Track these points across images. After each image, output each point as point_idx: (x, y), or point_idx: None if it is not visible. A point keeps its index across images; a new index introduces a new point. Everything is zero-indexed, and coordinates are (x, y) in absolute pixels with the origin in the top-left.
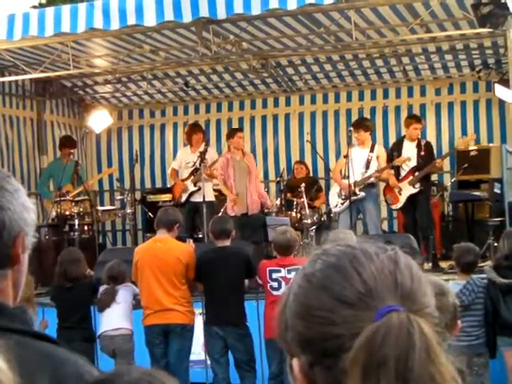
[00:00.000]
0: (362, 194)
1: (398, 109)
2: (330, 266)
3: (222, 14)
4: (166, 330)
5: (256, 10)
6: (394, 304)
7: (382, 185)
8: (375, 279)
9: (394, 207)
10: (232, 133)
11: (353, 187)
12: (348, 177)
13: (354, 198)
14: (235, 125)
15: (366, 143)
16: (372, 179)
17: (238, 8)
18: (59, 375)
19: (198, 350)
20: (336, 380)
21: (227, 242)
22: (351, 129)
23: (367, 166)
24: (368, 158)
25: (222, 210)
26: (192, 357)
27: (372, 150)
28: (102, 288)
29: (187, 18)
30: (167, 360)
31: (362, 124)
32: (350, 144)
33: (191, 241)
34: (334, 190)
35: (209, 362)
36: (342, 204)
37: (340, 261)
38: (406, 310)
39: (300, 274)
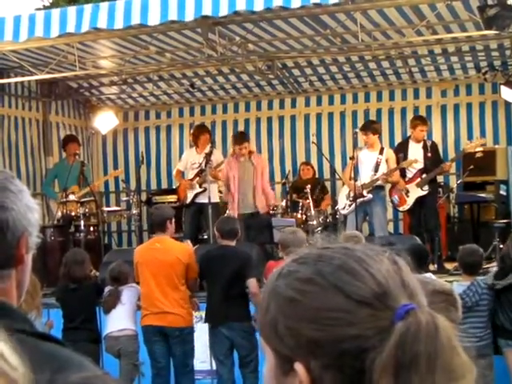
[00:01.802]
0: (370, 196)
1: (403, 110)
2: (339, 267)
3: (224, 11)
4: (162, 332)
5: (259, 7)
6: (409, 302)
7: (388, 186)
8: (386, 279)
9: (401, 209)
10: (232, 143)
11: (361, 189)
12: (355, 179)
13: (361, 199)
14: (241, 126)
15: (374, 146)
16: (380, 182)
17: (241, 5)
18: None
19: (205, 358)
20: (351, 381)
21: (232, 242)
22: (357, 130)
23: (376, 169)
24: (377, 160)
25: (228, 212)
26: (201, 366)
27: (381, 153)
28: (106, 289)
29: (189, 16)
30: (167, 360)
31: (371, 127)
32: (356, 146)
33: (188, 241)
34: (344, 191)
35: (214, 366)
36: (350, 206)
37: (347, 262)
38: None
39: (290, 277)
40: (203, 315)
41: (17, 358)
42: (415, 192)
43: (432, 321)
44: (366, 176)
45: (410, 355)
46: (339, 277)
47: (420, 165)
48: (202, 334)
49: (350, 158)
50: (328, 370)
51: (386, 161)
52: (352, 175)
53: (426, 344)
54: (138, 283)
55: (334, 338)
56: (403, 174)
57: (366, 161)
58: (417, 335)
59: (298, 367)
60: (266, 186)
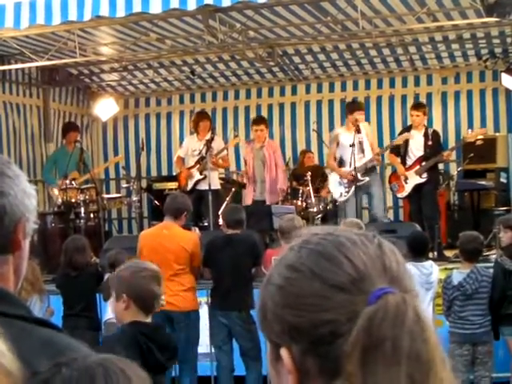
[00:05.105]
0: (367, 178)
1: (404, 98)
2: (319, 254)
3: (227, 1)
4: (168, 316)
5: None
6: (386, 286)
7: (388, 172)
8: (365, 264)
9: (399, 195)
10: (252, 124)
11: (354, 174)
12: (354, 165)
13: (360, 183)
14: (241, 113)
15: (352, 127)
16: (373, 162)
17: None
18: None
19: (204, 341)
20: (330, 366)
21: (238, 231)
22: (357, 117)
23: (362, 150)
24: (359, 140)
25: (228, 199)
26: (199, 349)
27: (359, 132)
28: (106, 276)
29: (191, 5)
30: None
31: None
32: (359, 132)
33: (197, 229)
34: (334, 179)
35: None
36: (348, 192)
37: (328, 248)
38: (398, 292)
39: (281, 264)
40: (202, 301)
41: (9, 348)
42: (413, 179)
43: (403, 305)
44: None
45: (376, 339)
46: (317, 263)
47: (420, 152)
48: (201, 319)
49: (351, 145)
50: (307, 355)
51: (366, 136)
52: (351, 161)
53: (393, 328)
54: None
55: (311, 323)
56: (403, 161)
57: (347, 144)
58: (384, 319)
59: (283, 353)
60: (280, 172)
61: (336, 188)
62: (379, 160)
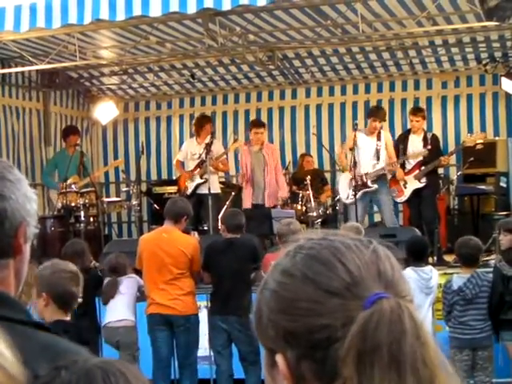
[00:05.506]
0: (375, 186)
1: (404, 102)
2: (313, 258)
3: (227, 5)
4: (168, 320)
5: (262, 1)
6: (381, 291)
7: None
8: (359, 269)
9: (398, 200)
10: (250, 127)
11: (364, 179)
12: (355, 166)
13: (367, 190)
14: (241, 117)
15: (374, 131)
16: (384, 171)
17: None
18: None
19: (204, 345)
20: (326, 371)
21: (237, 236)
22: (357, 122)
23: (377, 157)
24: (377, 147)
25: (228, 203)
26: (199, 352)
27: (379, 139)
28: (105, 280)
29: (191, 9)
30: (170, 350)
31: (382, 113)
32: (356, 129)
33: (196, 233)
34: (344, 179)
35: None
36: (354, 196)
37: (322, 253)
38: (393, 297)
39: (276, 269)
40: (202, 305)
41: (13, 352)
42: (412, 184)
43: (397, 310)
44: (366, 164)
45: (372, 344)
46: (311, 268)
47: (419, 157)
48: (201, 323)
49: (350, 149)
50: (303, 360)
51: (385, 145)
52: (353, 163)
53: (388, 333)
54: (137, 270)
55: (306, 328)
56: (402, 165)
57: (364, 147)
58: (379, 324)
59: (279, 359)
60: (280, 177)
61: (344, 189)
62: (391, 170)
